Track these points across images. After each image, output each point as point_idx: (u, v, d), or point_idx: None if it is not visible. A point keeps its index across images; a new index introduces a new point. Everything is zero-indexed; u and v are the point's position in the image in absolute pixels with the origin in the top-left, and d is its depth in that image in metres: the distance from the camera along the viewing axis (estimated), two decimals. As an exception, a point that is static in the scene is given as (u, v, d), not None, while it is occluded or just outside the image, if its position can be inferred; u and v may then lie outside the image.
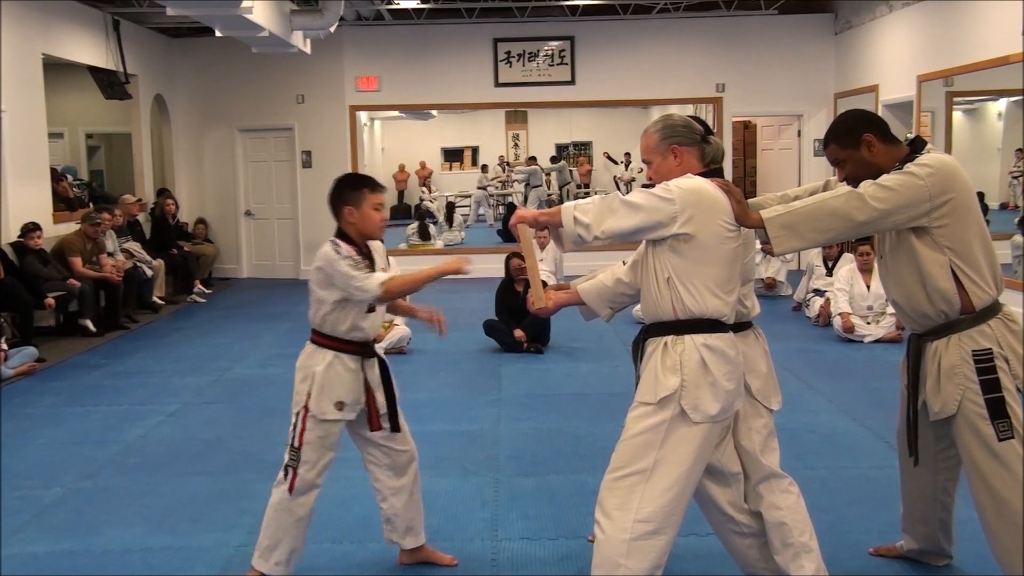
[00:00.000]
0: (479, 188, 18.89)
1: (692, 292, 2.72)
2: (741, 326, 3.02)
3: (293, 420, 3.29)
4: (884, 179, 2.86)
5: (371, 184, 3.28)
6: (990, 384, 2.87)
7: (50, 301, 8.00)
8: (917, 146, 3.00)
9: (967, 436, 2.93)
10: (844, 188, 3.02)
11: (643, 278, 2.87)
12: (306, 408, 3.25)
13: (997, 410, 2.86)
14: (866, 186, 2.86)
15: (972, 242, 2.91)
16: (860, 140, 3.00)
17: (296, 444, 3.27)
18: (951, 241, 2.89)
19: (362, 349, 3.31)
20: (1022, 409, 2.90)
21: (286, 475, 3.27)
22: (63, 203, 9.81)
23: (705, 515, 3.15)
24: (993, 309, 2.95)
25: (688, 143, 2.89)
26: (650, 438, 2.71)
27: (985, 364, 2.88)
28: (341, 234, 3.27)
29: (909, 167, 2.88)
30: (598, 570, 2.72)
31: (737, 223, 2.77)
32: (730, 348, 2.78)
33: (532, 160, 18.74)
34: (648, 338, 2.84)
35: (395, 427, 3.39)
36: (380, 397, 3.34)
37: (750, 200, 3.07)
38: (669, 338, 2.75)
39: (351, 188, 3.25)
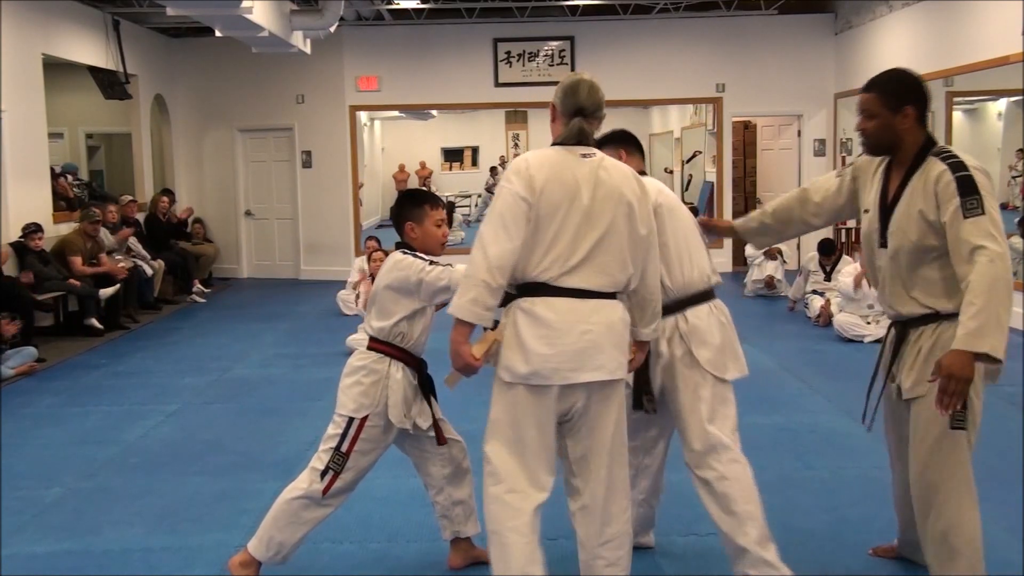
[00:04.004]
0: (487, 191, 18.95)
1: (524, 257, 2.71)
2: (696, 299, 3.14)
3: (343, 426, 3.21)
4: (984, 213, 2.78)
5: (432, 200, 3.33)
6: None
7: (49, 300, 8.00)
8: (929, 143, 3.01)
9: (925, 415, 2.92)
10: (836, 180, 3.18)
11: None
12: (366, 417, 3.20)
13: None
14: (985, 238, 2.75)
15: None
16: (901, 108, 2.96)
17: (345, 450, 3.20)
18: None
19: (418, 363, 3.32)
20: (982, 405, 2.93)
21: (322, 477, 3.21)
22: (63, 202, 9.81)
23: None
24: None
25: (562, 112, 2.84)
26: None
27: None
28: (405, 246, 3.29)
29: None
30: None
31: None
32: (549, 312, 2.72)
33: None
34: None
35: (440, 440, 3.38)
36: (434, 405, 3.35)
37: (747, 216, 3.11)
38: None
39: (412, 204, 3.30)
